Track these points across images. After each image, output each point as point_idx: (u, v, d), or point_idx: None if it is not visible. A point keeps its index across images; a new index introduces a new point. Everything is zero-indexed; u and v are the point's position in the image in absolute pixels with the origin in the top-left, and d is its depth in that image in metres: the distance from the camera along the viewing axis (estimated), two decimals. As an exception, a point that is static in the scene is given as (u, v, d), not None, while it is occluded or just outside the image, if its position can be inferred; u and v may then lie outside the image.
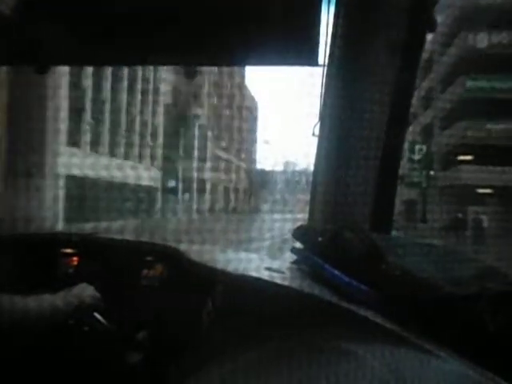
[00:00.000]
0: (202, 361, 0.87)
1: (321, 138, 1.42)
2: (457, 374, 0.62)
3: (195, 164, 25.45)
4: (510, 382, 0.59)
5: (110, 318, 1.21)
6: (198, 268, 1.31)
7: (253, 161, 31.77)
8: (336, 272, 0.93)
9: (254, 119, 33.15)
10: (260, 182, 29.68)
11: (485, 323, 0.73)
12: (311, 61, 1.17)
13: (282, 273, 1.13)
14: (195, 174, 25.49)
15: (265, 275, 1.09)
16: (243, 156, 31.49)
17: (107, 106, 19.31)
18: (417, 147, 22.54)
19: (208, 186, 26.90)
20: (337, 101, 1.35)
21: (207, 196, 26.99)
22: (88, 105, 17.91)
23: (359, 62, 1.27)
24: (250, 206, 29.89)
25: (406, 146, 20.89)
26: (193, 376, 0.79)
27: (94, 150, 18.23)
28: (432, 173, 22.26)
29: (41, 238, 1.76)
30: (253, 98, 33.21)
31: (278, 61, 1.26)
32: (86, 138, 17.97)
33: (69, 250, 1.57)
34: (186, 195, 24.80)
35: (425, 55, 20.74)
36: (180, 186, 24.36)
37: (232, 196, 30.53)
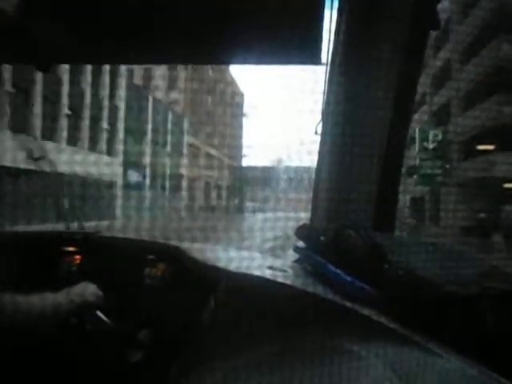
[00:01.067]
0: (205, 360, 0.87)
1: (323, 136, 1.42)
2: (459, 373, 0.62)
3: (168, 156, 21.64)
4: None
5: (112, 316, 1.21)
6: (201, 266, 1.31)
7: (238, 156, 28.64)
8: (338, 271, 0.93)
9: (240, 112, 30.26)
10: (246, 178, 25.80)
11: (487, 323, 0.72)
12: (314, 59, 1.17)
13: (285, 271, 1.13)
14: (168, 168, 21.55)
15: (267, 274, 1.09)
16: (227, 151, 28.08)
17: (39, 75, 12.80)
18: (431, 133, 18.23)
19: (185, 182, 23.05)
20: (339, 99, 1.35)
21: (183, 193, 22.96)
22: (7, 70, 11.73)
23: (362, 59, 1.27)
24: (233, 205, 26.06)
25: (417, 132, 17.77)
26: (195, 375, 0.79)
27: (18, 131, 12.45)
28: (447, 166, 17.94)
29: (43, 236, 1.76)
30: (238, 89, 30.53)
31: (280, 60, 1.26)
32: (4, 112, 12.84)
33: (71, 249, 1.58)
34: (156, 192, 20.42)
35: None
36: (148, 181, 20.21)
37: (214, 193, 26.71)
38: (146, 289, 1.44)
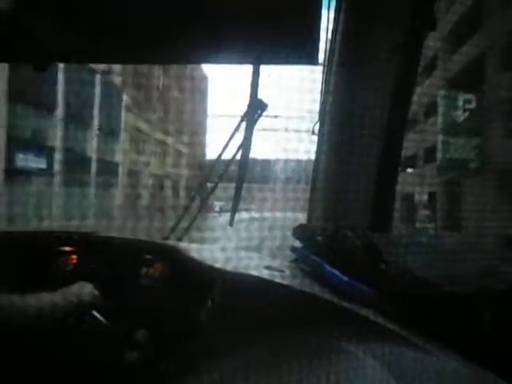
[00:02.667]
0: (202, 360, 0.87)
1: (320, 135, 1.42)
2: (456, 373, 0.62)
3: (96, 138, 15.26)
4: (510, 381, 0.59)
5: (109, 316, 1.20)
6: (198, 266, 1.31)
7: (200, 146, 23.30)
8: (335, 271, 0.93)
9: (203, 96, 24.17)
10: (211, 173, 19.22)
11: (485, 323, 0.73)
12: (312, 59, 1.17)
13: (282, 271, 1.13)
14: (95, 154, 15.16)
15: (264, 274, 1.09)
16: (186, 139, 22.24)
17: None
18: (461, 98, 12.51)
19: (123, 175, 17.15)
20: (337, 98, 1.35)
21: (120, 189, 16.88)
22: None
23: (359, 59, 1.27)
24: (195, 204, 17.87)
25: (441, 97, 12.74)
26: (193, 375, 0.79)
27: None
28: (484, 145, 12.27)
29: (39, 235, 1.76)
30: (201, 71, 24.34)
31: (277, 60, 1.26)
32: None
33: (68, 248, 1.57)
34: (73, 187, 13.31)
35: None
36: (58, 170, 13.45)
37: (168, 190, 20.76)
38: (143, 289, 1.44)
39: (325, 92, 1.38)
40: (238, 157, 1.41)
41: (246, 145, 1.37)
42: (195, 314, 1.16)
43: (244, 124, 1.34)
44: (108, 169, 15.63)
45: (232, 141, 1.44)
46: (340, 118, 1.34)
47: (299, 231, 1.31)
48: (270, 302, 0.93)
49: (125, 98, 17.36)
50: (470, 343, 0.67)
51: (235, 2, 0.99)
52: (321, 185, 1.40)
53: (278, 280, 1.03)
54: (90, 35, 1.15)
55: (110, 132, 16.08)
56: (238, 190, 1.46)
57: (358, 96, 1.28)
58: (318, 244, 1.13)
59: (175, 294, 1.32)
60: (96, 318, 1.18)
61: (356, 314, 0.77)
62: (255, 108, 1.30)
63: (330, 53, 1.33)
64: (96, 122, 15.30)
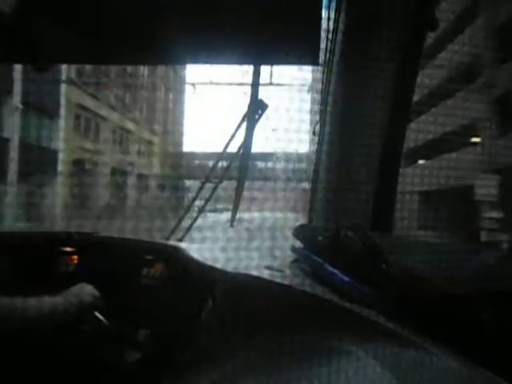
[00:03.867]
0: (203, 360, 0.87)
1: (321, 135, 1.42)
2: (457, 373, 0.62)
3: (17, 115, 11.02)
4: (510, 381, 0.59)
5: (110, 317, 1.21)
6: (199, 266, 1.31)
7: (174, 135, 20.11)
8: (336, 271, 0.93)
9: (181, 83, 19.84)
10: (188, 168, 16.06)
11: (485, 323, 0.73)
12: (312, 59, 1.17)
13: (282, 272, 1.13)
14: (16, 138, 11.05)
15: (265, 274, 1.09)
16: (157, 128, 18.94)
17: None
18: None
19: (65, 166, 12.95)
20: (337, 98, 1.35)
21: (59, 185, 12.55)
22: None
23: (360, 59, 1.27)
24: (166, 203, 14.45)
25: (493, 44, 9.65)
26: (193, 375, 0.79)
27: None
28: None
29: (40, 236, 1.76)
30: None
31: (278, 60, 1.26)
32: None
33: (69, 249, 1.57)
34: None
35: None
36: None
37: (131, 189, 16.20)
38: (144, 289, 1.44)
39: (325, 92, 1.38)
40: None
41: (246, 145, 1.37)
42: (196, 314, 1.16)
43: (245, 124, 1.34)
44: (40, 157, 11.18)
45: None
46: (340, 118, 1.34)
47: (300, 231, 1.31)
48: (270, 302, 0.93)
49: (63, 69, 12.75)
50: (471, 343, 0.67)
51: (236, 3, 0.99)
52: (321, 185, 1.40)
53: (278, 280, 1.03)
54: (89, 35, 1.15)
55: (40, 109, 11.76)
56: (239, 189, 1.46)
57: (358, 96, 1.28)
58: (318, 244, 1.13)
59: (176, 294, 1.32)
60: (97, 318, 1.18)
61: (357, 314, 0.77)
62: (256, 108, 1.30)
63: (330, 53, 1.33)
64: (17, 94, 11.08)
